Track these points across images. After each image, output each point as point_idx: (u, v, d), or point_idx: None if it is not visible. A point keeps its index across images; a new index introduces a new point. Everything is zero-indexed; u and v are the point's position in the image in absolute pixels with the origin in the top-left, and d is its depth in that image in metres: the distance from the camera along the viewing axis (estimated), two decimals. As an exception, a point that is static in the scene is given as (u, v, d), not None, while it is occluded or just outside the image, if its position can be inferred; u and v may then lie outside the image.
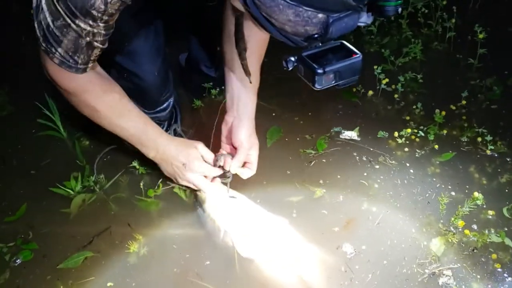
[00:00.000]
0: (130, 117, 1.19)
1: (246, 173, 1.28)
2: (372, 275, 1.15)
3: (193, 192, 1.34)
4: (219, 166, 1.26)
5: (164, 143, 1.23)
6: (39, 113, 1.58)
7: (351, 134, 1.54)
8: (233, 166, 1.25)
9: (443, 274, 1.15)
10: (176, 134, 1.51)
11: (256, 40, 1.16)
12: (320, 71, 0.83)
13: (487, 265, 1.17)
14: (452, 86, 1.74)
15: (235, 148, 1.27)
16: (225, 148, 1.32)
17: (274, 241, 1.22)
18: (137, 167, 1.44)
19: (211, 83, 1.72)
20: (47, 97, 1.56)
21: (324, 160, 1.46)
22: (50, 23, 0.93)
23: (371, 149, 1.49)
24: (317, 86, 0.85)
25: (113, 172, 1.46)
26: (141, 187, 1.37)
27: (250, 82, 1.12)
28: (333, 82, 0.86)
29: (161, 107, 1.43)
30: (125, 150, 1.43)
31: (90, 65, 1.04)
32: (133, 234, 1.27)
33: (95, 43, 0.98)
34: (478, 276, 1.14)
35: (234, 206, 1.29)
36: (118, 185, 1.43)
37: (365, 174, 1.41)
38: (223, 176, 1.28)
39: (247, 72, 1.08)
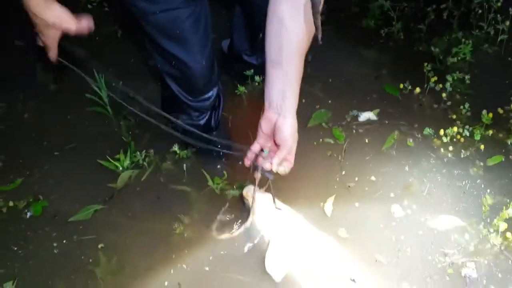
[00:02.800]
0: None
1: (284, 167, 1.25)
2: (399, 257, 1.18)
3: (242, 197, 1.36)
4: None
5: None
6: (87, 88, 1.62)
7: (370, 115, 1.59)
8: (274, 164, 1.21)
9: (466, 266, 1.16)
10: (218, 123, 1.52)
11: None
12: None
13: None
14: (500, 89, 1.70)
15: (277, 146, 1.24)
16: (260, 142, 1.26)
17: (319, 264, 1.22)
18: (177, 151, 1.48)
19: (252, 71, 1.72)
20: (95, 72, 1.60)
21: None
22: None
23: (416, 151, 1.48)
24: None
25: (157, 152, 1.50)
26: (184, 171, 1.42)
27: (320, 42, 1.09)
28: None
29: (206, 96, 1.43)
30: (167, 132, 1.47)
31: None
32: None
33: None
34: (500, 275, 1.14)
35: (279, 217, 1.29)
36: (162, 167, 1.47)
37: (407, 168, 1.40)
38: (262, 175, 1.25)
39: (318, 29, 1.03)
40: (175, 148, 1.48)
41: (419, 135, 1.53)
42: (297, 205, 1.34)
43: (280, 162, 1.23)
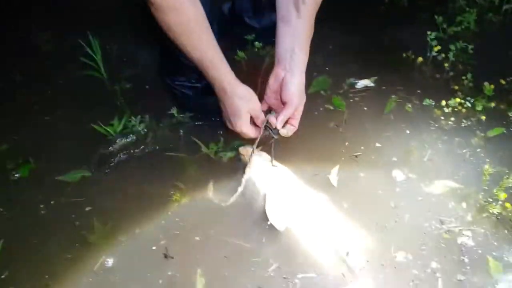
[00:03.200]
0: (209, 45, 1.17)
1: (287, 130, 1.26)
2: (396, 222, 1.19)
3: (238, 155, 1.34)
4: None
5: (231, 88, 1.20)
6: (81, 52, 1.58)
7: (367, 82, 1.57)
8: (279, 121, 1.22)
9: (463, 234, 1.16)
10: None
11: None
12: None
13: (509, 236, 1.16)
14: (504, 60, 1.67)
15: (283, 104, 1.24)
16: (269, 100, 1.29)
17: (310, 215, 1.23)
18: (175, 114, 1.45)
19: (253, 35, 1.68)
20: (90, 36, 1.55)
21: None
22: None
23: (417, 117, 1.46)
24: None
25: (153, 117, 1.47)
26: (180, 136, 1.40)
27: None
28: None
29: None
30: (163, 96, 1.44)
31: None
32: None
33: None
34: (495, 243, 1.14)
35: (276, 174, 1.29)
36: (158, 131, 1.44)
37: (408, 132, 1.41)
38: (267, 134, 1.26)
39: None
40: (173, 111, 1.45)
41: (418, 102, 1.51)
42: (301, 173, 1.33)
43: (285, 122, 1.23)
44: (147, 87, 1.59)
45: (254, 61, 1.63)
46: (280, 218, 1.19)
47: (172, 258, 1.14)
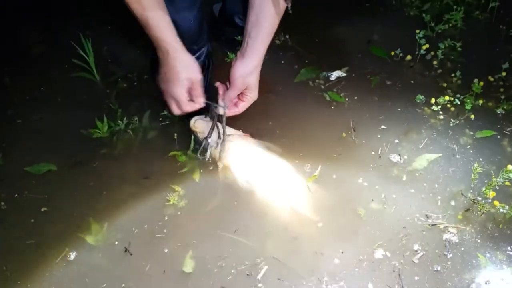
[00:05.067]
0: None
1: (230, 111, 1.30)
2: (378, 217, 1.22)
3: (191, 133, 1.37)
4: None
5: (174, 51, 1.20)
6: (73, 54, 1.58)
7: (339, 73, 1.61)
8: (220, 98, 1.27)
9: (449, 231, 1.18)
10: (207, 86, 1.49)
11: None
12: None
13: (494, 234, 1.18)
14: (491, 57, 1.69)
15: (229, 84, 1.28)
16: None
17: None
18: (168, 115, 1.45)
19: (243, 36, 1.69)
20: (82, 37, 1.55)
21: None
22: None
23: (406, 114, 1.48)
24: None
25: (145, 117, 1.48)
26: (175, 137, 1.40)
27: (290, 10, 1.10)
28: None
29: (194, 56, 1.41)
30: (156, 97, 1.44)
31: None
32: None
33: None
34: (479, 241, 1.16)
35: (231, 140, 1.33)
36: (149, 131, 1.45)
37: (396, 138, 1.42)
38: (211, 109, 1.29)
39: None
40: (166, 111, 1.45)
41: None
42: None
43: (228, 101, 1.28)
44: (139, 87, 1.59)
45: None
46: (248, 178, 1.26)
47: (131, 254, 1.16)
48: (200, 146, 1.32)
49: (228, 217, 1.22)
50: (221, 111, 1.27)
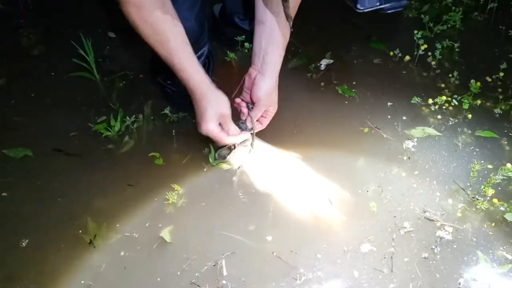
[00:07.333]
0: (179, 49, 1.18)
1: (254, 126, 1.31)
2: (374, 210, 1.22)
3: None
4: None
5: (200, 90, 1.21)
6: (73, 53, 1.58)
7: (326, 62, 1.65)
8: (247, 122, 1.29)
9: (444, 229, 1.18)
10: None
11: None
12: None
13: (489, 232, 1.18)
14: (489, 57, 1.70)
15: (253, 104, 1.28)
16: (246, 97, 1.31)
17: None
18: (169, 114, 1.46)
19: (243, 36, 1.70)
20: (82, 37, 1.56)
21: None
22: None
23: (404, 116, 1.49)
24: (360, 7, 0.81)
25: (146, 117, 1.48)
26: (174, 134, 1.40)
27: (292, 28, 1.11)
28: (378, 4, 0.82)
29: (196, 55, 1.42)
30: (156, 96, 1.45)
31: None
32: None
33: None
34: (474, 240, 1.16)
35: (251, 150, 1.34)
36: (151, 132, 1.45)
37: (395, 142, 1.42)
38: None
39: (288, 17, 1.06)
40: (166, 110, 1.46)
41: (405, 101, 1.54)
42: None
43: (254, 119, 1.29)
44: (139, 87, 1.60)
45: (244, 62, 1.65)
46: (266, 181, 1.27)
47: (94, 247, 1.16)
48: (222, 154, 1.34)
49: (229, 217, 1.22)
50: (249, 134, 1.30)
